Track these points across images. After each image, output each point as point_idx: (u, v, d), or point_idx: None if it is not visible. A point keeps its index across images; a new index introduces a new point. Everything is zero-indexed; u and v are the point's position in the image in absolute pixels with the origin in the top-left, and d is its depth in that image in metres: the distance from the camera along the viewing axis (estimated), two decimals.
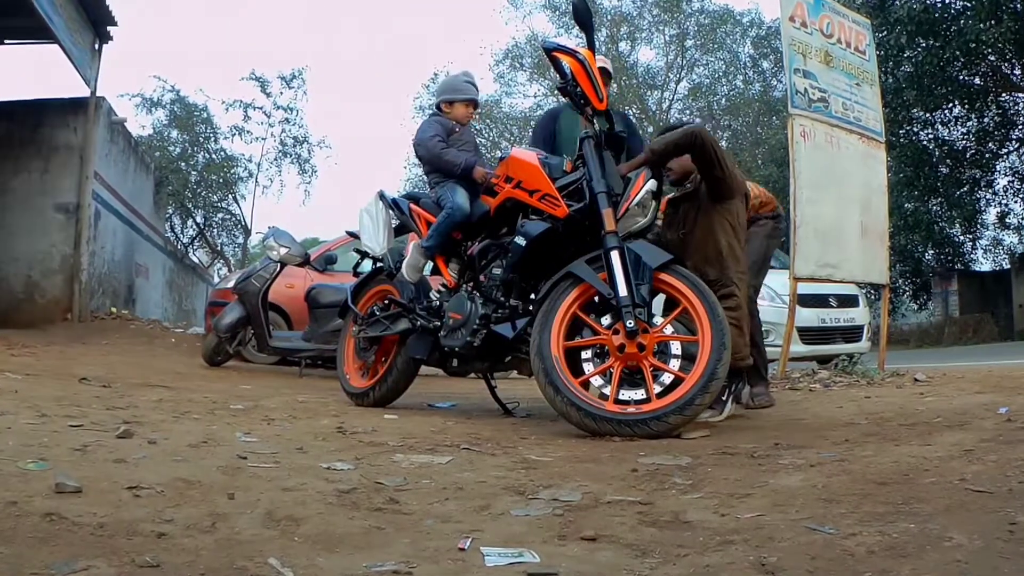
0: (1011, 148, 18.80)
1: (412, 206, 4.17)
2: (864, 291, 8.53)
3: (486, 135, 24.95)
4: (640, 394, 2.97)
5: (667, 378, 3.00)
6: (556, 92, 3.74)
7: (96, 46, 10.04)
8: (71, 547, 1.36)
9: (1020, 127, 18.37)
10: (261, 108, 21.93)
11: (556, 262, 3.30)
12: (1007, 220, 20.07)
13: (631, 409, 2.91)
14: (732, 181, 3.52)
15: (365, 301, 4.39)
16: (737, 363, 3.31)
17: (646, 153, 3.47)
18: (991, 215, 20.17)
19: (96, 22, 9.83)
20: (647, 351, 2.98)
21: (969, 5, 14.59)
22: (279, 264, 6.61)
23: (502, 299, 3.53)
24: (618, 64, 22.73)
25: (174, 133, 21.42)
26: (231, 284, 7.09)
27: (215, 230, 24.90)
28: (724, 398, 3.48)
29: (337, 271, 7.05)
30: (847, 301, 7.66)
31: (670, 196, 3.73)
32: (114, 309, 10.81)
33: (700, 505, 1.79)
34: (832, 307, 7.51)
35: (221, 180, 22.01)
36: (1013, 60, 16.23)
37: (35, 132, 10.05)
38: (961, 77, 16.77)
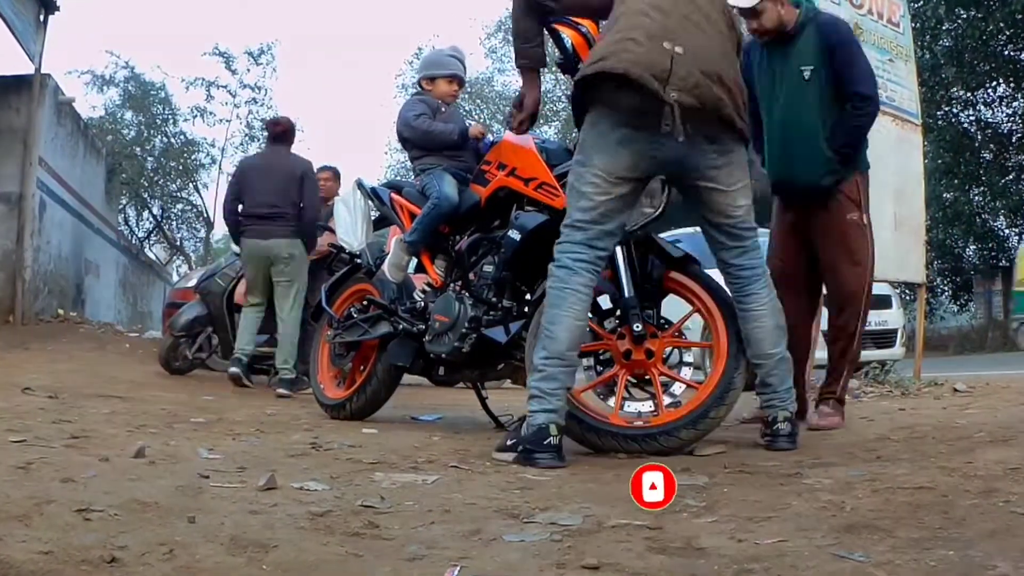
0: None
1: (393, 196, 4.16)
2: (898, 291, 8.55)
3: (476, 116, 24.95)
4: (648, 406, 2.98)
5: (678, 388, 3.00)
6: (555, 69, 3.74)
7: (41, 17, 9.99)
8: None
9: None
10: (225, 87, 21.92)
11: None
12: None
13: (638, 422, 2.91)
14: None
15: (341, 302, 4.39)
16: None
17: None
18: None
19: None
20: (656, 358, 2.97)
21: None
22: None
23: (494, 300, 3.53)
24: None
25: (128, 114, 21.39)
26: (192, 283, 7.08)
27: (174, 223, 24.86)
28: None
29: None
30: (879, 302, 7.64)
31: None
32: (61, 311, 10.76)
33: (715, 530, 1.79)
34: None
35: (181, 167, 21.97)
36: None
37: None
38: (1006, 52, 16.84)
